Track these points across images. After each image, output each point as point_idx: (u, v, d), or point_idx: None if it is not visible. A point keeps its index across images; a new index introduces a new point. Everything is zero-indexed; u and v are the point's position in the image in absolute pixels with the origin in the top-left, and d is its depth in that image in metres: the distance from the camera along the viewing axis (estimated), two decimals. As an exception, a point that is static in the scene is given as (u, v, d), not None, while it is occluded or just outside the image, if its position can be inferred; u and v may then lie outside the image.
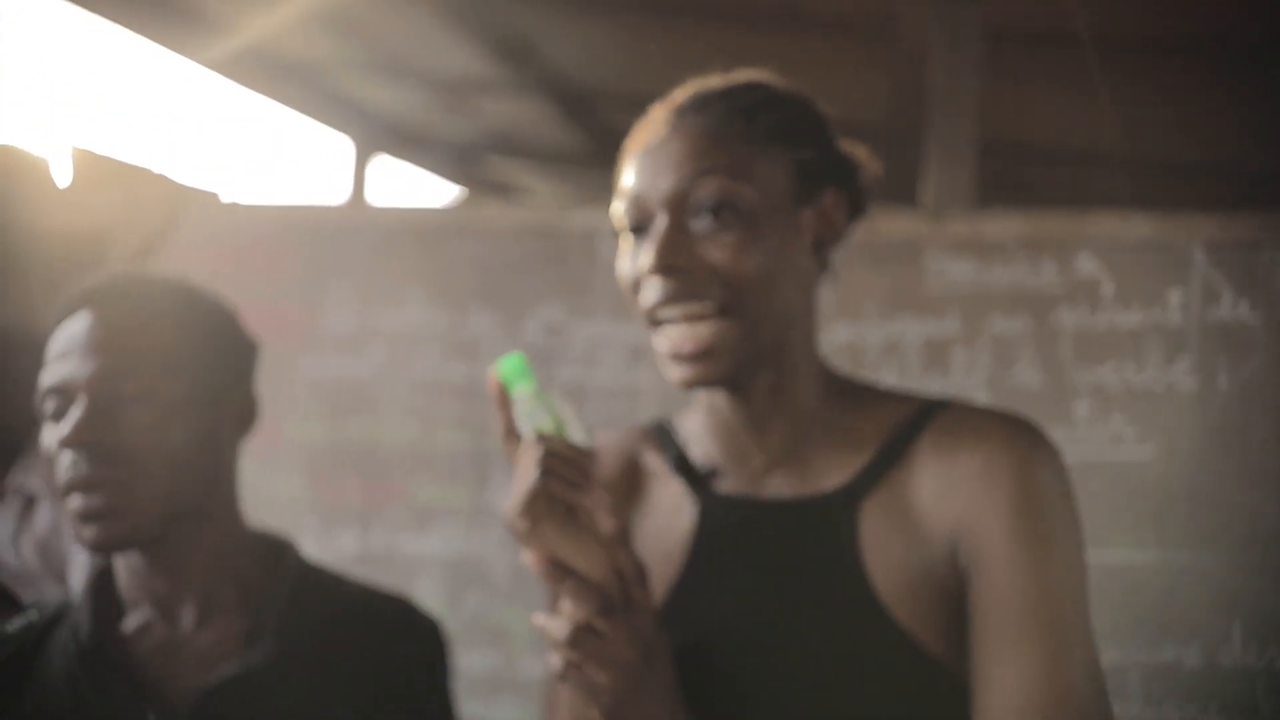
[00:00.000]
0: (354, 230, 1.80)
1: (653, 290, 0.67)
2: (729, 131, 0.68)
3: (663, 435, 0.77)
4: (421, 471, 1.74)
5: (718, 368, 0.67)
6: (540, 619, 0.64)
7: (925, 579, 0.65)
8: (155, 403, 0.78)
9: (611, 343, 1.67)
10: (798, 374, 0.71)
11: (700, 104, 0.70)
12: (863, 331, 1.57)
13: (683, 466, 0.74)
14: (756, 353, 0.68)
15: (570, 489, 0.62)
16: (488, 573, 1.71)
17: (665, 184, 0.68)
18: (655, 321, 0.68)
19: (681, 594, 0.72)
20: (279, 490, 1.80)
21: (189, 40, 2.67)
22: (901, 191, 1.81)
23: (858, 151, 0.75)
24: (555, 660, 0.63)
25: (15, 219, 2.04)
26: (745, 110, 0.69)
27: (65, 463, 0.77)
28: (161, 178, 2.63)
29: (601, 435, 0.80)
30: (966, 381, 1.54)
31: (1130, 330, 1.49)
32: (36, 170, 2.51)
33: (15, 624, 0.83)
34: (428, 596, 1.71)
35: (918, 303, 1.56)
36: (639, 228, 0.69)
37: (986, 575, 0.63)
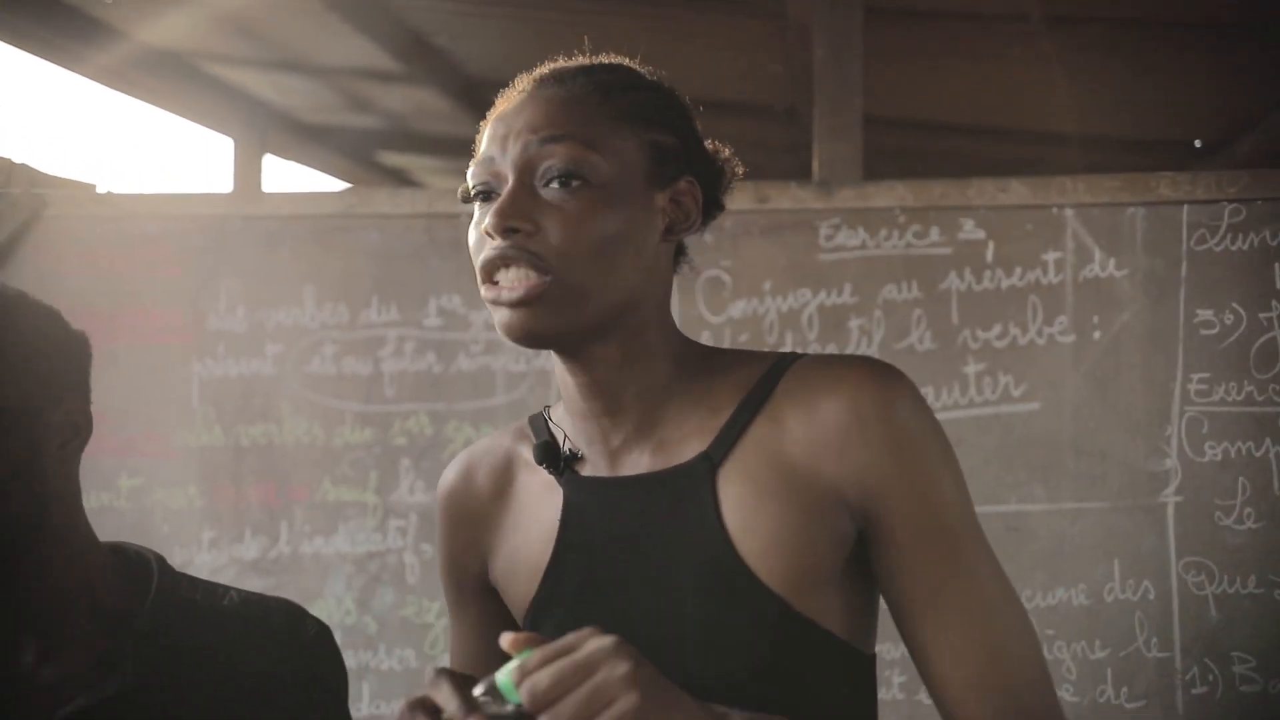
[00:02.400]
0: (243, 220, 1.73)
1: (487, 250, 0.66)
2: (584, 103, 0.68)
3: (535, 426, 0.78)
4: (325, 471, 1.70)
5: (536, 321, 0.66)
6: None
7: (799, 538, 0.66)
8: None
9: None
10: (648, 351, 0.71)
11: (559, 77, 0.71)
12: (761, 305, 1.60)
13: (547, 455, 0.74)
14: (587, 320, 0.68)
15: None
16: (400, 569, 1.68)
17: (515, 148, 0.67)
18: (488, 279, 0.67)
19: (550, 580, 0.72)
20: (172, 502, 1.72)
21: (66, 50, 2.52)
22: (797, 167, 1.85)
23: (720, 149, 0.76)
24: None
25: None
26: (603, 86, 0.70)
27: None
28: (24, 167, 2.45)
29: (481, 439, 0.80)
30: (862, 348, 1.59)
31: (1013, 291, 1.56)
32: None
33: None
34: (340, 597, 1.67)
35: (812, 274, 1.60)
36: (489, 193, 0.68)
37: (891, 518, 0.65)
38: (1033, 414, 1.54)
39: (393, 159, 4.29)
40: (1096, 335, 1.53)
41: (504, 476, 0.78)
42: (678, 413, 0.71)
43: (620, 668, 0.54)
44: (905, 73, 2.44)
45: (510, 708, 0.55)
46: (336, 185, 4.33)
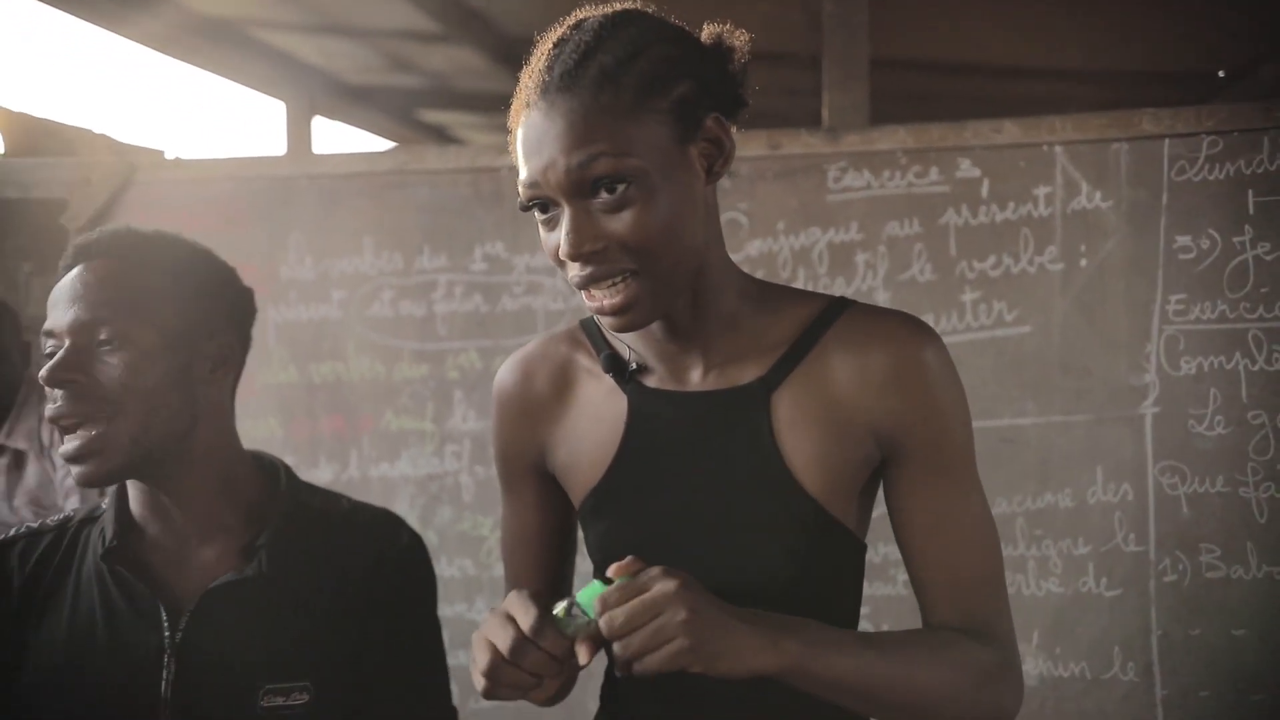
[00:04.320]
0: (307, 179, 1.91)
1: (572, 272, 0.74)
2: (600, 106, 0.70)
3: (592, 337, 0.87)
4: (387, 404, 1.90)
5: (640, 316, 0.75)
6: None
7: (837, 456, 0.78)
8: (128, 348, 0.86)
9: (551, 270, 1.83)
10: (716, 287, 0.79)
11: (566, 81, 0.71)
12: (775, 243, 1.75)
13: (614, 367, 0.84)
14: (675, 290, 0.76)
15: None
16: (456, 489, 1.88)
17: (555, 175, 0.71)
18: (581, 289, 0.75)
19: (615, 477, 0.83)
20: (257, 433, 1.94)
21: (117, 14, 2.69)
22: (809, 113, 1.97)
23: (720, 39, 0.77)
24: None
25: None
26: (609, 74, 0.70)
27: (50, 400, 0.87)
28: (104, 137, 2.67)
29: (533, 343, 0.90)
30: (868, 281, 1.73)
31: (1006, 224, 1.68)
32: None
33: (54, 519, 0.97)
34: (404, 515, 1.87)
35: (822, 214, 1.74)
36: (544, 204, 0.74)
37: (913, 451, 0.79)
38: (1024, 336, 1.67)
39: (434, 116, 4.43)
40: (1083, 263, 1.65)
41: (564, 378, 0.86)
42: (738, 341, 0.80)
43: (679, 614, 0.66)
44: (917, 14, 2.51)
45: (586, 620, 0.68)
46: (381, 143, 4.50)
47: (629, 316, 0.74)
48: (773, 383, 0.80)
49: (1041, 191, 1.66)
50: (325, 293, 1.91)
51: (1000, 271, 1.69)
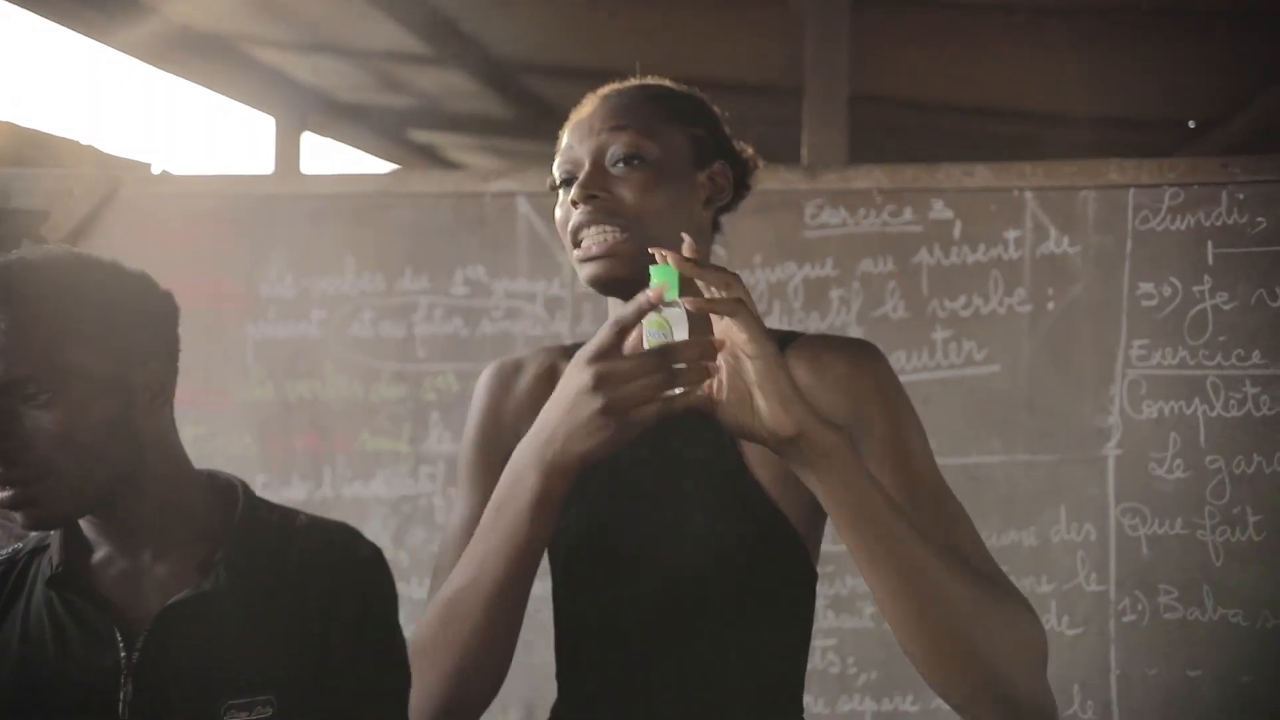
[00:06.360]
0: (291, 199, 1.93)
1: (575, 217, 0.87)
2: (639, 104, 0.90)
3: (578, 348, 0.93)
4: (364, 423, 1.90)
5: (617, 266, 0.85)
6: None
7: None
8: (58, 403, 0.81)
9: (530, 296, 1.85)
10: None
11: (618, 90, 0.93)
12: (752, 276, 1.78)
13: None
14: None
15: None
16: (430, 510, 1.89)
17: (589, 141, 0.88)
18: (576, 243, 0.88)
19: (586, 479, 0.86)
20: (231, 449, 1.93)
21: (108, 26, 2.71)
22: (787, 149, 2.01)
23: (744, 148, 0.97)
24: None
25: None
26: (652, 94, 0.92)
27: None
28: (91, 149, 2.66)
29: (523, 351, 0.99)
30: (842, 317, 1.76)
31: (977, 265, 1.72)
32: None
33: (4, 553, 0.94)
34: (376, 536, 1.88)
35: (798, 249, 1.77)
36: (570, 179, 0.89)
37: (875, 443, 0.84)
38: (993, 376, 1.71)
39: (423, 136, 4.46)
40: (1050, 305, 1.69)
41: (547, 383, 0.95)
42: None
43: (766, 348, 0.75)
44: (895, 56, 2.57)
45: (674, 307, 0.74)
46: (370, 161, 4.52)
47: (607, 264, 0.85)
48: None
49: (1011, 235, 1.71)
50: (305, 311, 1.92)
51: (970, 311, 1.72)
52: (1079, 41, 2.42)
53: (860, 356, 0.88)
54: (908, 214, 1.75)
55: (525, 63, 3.23)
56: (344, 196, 1.92)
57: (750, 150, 0.98)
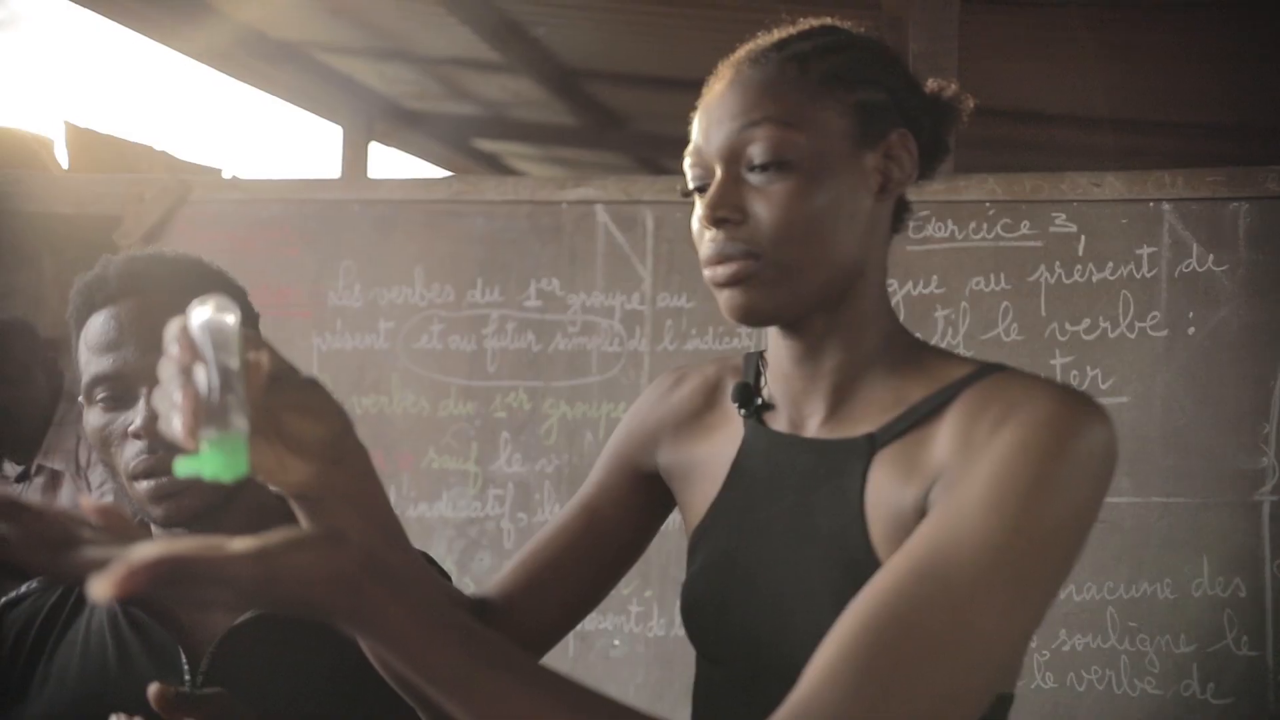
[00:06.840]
0: (360, 205, 1.85)
1: (704, 245, 0.69)
2: (782, 80, 0.68)
3: (748, 364, 0.81)
4: (430, 441, 1.81)
5: (752, 296, 0.68)
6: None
7: (912, 519, 0.67)
8: None
9: (607, 311, 1.74)
10: (861, 321, 0.71)
11: (756, 56, 0.70)
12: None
13: (740, 397, 0.78)
14: (806, 296, 0.69)
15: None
16: (497, 534, 1.79)
17: (718, 138, 0.69)
18: (706, 266, 0.71)
19: (713, 513, 0.77)
20: (292, 463, 1.86)
21: (177, 32, 2.70)
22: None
23: (943, 88, 0.73)
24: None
25: (23, 205, 2.07)
26: (800, 57, 0.69)
27: (132, 451, 0.82)
28: (164, 154, 2.64)
29: (704, 361, 0.85)
30: (947, 339, 1.61)
31: (1104, 284, 1.56)
32: (41, 153, 2.52)
33: None
34: (440, 559, 1.78)
35: (899, 265, 1.63)
36: (703, 185, 0.70)
37: (940, 496, 0.62)
38: (1121, 407, 1.54)
39: (489, 145, 4.42)
40: (1191, 330, 1.52)
41: (710, 395, 0.82)
42: (867, 392, 0.72)
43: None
44: (1007, 59, 2.41)
45: None
46: (435, 171, 4.49)
47: (740, 292, 0.68)
48: (880, 440, 0.70)
49: (1145, 251, 1.54)
50: (373, 322, 1.84)
51: (1096, 335, 1.56)
52: (1191, 41, 2.24)
53: (1026, 417, 0.61)
54: (1024, 227, 1.59)
55: (593, 69, 3.15)
56: (414, 203, 1.84)
57: (951, 89, 0.73)
